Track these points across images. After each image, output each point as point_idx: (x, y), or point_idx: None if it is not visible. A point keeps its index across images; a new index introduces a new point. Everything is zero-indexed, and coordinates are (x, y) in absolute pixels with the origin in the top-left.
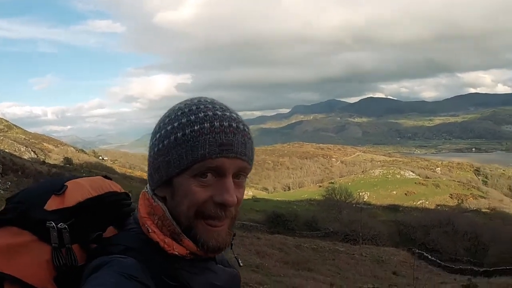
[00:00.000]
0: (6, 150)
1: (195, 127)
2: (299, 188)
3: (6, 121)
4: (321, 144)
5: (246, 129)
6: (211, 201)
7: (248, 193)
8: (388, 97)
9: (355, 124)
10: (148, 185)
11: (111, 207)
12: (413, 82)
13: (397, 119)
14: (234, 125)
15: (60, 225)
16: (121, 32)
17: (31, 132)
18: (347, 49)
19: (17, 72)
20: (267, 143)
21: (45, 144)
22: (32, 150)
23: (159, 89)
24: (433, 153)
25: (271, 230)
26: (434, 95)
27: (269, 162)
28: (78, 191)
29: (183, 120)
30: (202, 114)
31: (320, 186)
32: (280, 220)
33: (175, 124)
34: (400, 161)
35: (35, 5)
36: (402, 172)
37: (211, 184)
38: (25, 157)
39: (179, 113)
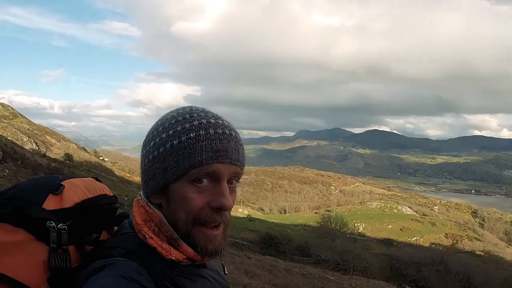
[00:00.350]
0: (8, 138)
1: (191, 135)
2: (295, 212)
3: (12, 108)
4: (322, 171)
5: (238, 136)
6: (208, 207)
7: (244, 212)
8: (393, 131)
9: (357, 155)
10: (142, 192)
11: (105, 210)
12: (419, 118)
13: (400, 154)
14: (227, 132)
15: (60, 226)
16: (137, 36)
17: (35, 123)
18: (358, 80)
19: (29, 62)
20: (269, 164)
21: (48, 137)
22: (34, 141)
23: (167, 97)
24: (433, 191)
25: (263, 251)
26: (439, 134)
27: (268, 183)
28: (75, 191)
29: (178, 128)
30: (197, 122)
31: (316, 213)
32: (273, 242)
33: (170, 132)
34: (398, 196)
35: None
36: (399, 207)
37: (207, 190)
38: (27, 148)
39: (173, 122)
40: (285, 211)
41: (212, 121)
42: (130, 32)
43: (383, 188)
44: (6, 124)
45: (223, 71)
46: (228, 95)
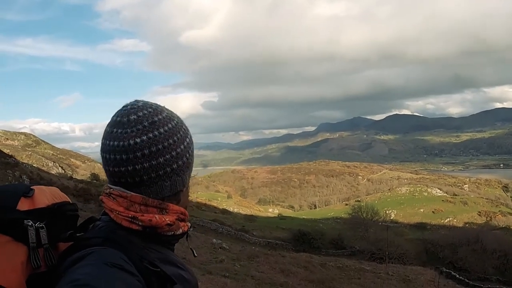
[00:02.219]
0: (34, 165)
1: (191, 147)
2: (325, 206)
3: (35, 136)
4: (347, 162)
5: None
6: None
7: (274, 211)
8: (414, 113)
9: (381, 142)
10: (118, 187)
11: (70, 216)
12: (439, 98)
13: (423, 136)
14: None
15: (38, 224)
16: (147, 51)
17: (59, 148)
18: (372, 67)
19: (45, 89)
20: (293, 161)
21: (72, 159)
22: (59, 166)
23: (185, 106)
24: (461, 170)
25: (297, 248)
26: (460, 111)
27: (295, 180)
28: (44, 195)
29: (187, 140)
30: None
31: (346, 204)
32: (306, 238)
33: (187, 141)
34: (427, 178)
35: (61, 24)
36: (429, 190)
37: None
38: (53, 172)
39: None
40: (315, 206)
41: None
42: (140, 47)
43: (410, 172)
44: (30, 152)
45: (237, 74)
46: (245, 97)
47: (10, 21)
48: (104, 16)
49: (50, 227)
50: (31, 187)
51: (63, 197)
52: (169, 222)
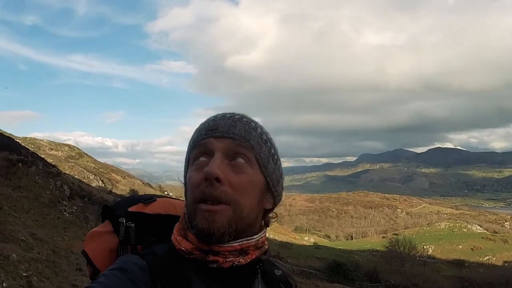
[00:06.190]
0: (75, 176)
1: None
2: (362, 237)
3: (78, 149)
4: (386, 194)
5: (244, 119)
6: (204, 182)
7: (310, 240)
8: (457, 147)
9: (422, 175)
10: None
11: (157, 224)
12: (482, 132)
13: (465, 170)
14: (227, 116)
15: (129, 223)
16: (193, 73)
17: (101, 162)
18: (417, 98)
19: (92, 104)
20: (333, 190)
21: (113, 174)
22: (100, 179)
23: None
24: (502, 206)
25: (331, 279)
26: (504, 146)
27: (333, 210)
28: (164, 206)
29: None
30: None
31: (383, 237)
32: (341, 269)
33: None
34: (467, 214)
35: (112, 43)
36: (469, 226)
37: (204, 165)
38: (93, 185)
39: None
40: (351, 237)
41: (220, 114)
42: (186, 69)
43: (450, 207)
44: (73, 164)
45: (280, 100)
46: (287, 124)
47: (65, 37)
48: (154, 37)
49: (138, 229)
50: (157, 199)
51: (173, 210)
52: (183, 249)
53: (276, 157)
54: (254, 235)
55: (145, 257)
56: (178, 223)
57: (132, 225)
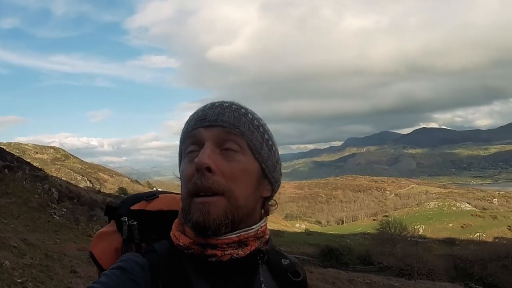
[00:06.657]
0: (63, 178)
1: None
2: (352, 221)
3: (64, 150)
4: (374, 177)
5: (234, 106)
6: (196, 173)
7: (301, 227)
8: (442, 127)
9: (409, 156)
10: None
11: (158, 221)
12: (467, 110)
13: (451, 149)
14: (216, 104)
15: (131, 222)
16: (176, 67)
17: (87, 162)
18: (401, 79)
19: (75, 105)
20: (321, 176)
21: (100, 174)
22: (88, 179)
23: None
24: (490, 183)
25: (324, 264)
26: (489, 123)
27: (322, 195)
28: (167, 202)
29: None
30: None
31: (374, 220)
32: (333, 254)
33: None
34: (455, 192)
35: (93, 41)
36: (458, 204)
37: (196, 156)
38: (81, 186)
39: None
40: (342, 221)
41: (208, 103)
42: (169, 64)
43: (438, 187)
44: (59, 166)
45: (265, 89)
46: (274, 112)
47: (44, 39)
48: (133, 32)
49: (141, 227)
50: (159, 195)
51: (176, 205)
52: (181, 244)
53: (270, 142)
54: (254, 225)
55: (146, 255)
56: (177, 218)
57: (135, 223)
